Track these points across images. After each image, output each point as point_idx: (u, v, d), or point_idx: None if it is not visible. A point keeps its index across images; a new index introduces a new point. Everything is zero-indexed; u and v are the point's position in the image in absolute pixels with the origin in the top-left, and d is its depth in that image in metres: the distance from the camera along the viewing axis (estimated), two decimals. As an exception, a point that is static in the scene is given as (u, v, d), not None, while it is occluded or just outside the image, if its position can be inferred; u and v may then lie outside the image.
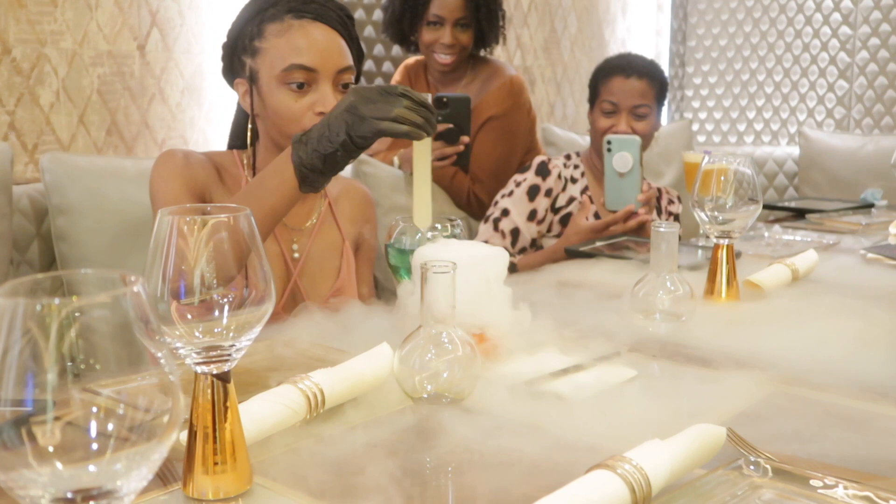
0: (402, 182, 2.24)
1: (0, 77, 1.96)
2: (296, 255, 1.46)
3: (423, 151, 1.15)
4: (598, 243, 1.84)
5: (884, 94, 3.73)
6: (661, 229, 1.23)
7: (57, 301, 0.43)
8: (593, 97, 2.15)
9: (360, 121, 1.15)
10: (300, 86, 1.35)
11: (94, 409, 0.47)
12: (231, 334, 0.71)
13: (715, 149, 3.79)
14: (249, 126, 1.43)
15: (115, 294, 0.44)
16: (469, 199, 2.36)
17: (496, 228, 2.06)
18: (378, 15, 2.80)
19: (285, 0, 1.38)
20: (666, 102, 2.23)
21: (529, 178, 2.11)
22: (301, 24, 1.36)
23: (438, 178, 2.30)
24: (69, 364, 0.45)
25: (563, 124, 3.65)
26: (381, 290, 2.15)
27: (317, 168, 1.18)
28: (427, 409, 0.93)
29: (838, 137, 3.58)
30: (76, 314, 0.44)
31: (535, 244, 2.10)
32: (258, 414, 0.82)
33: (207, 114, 2.39)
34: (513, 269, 1.95)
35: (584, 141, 3.20)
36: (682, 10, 4.21)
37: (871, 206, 2.55)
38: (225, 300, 0.72)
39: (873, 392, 1.00)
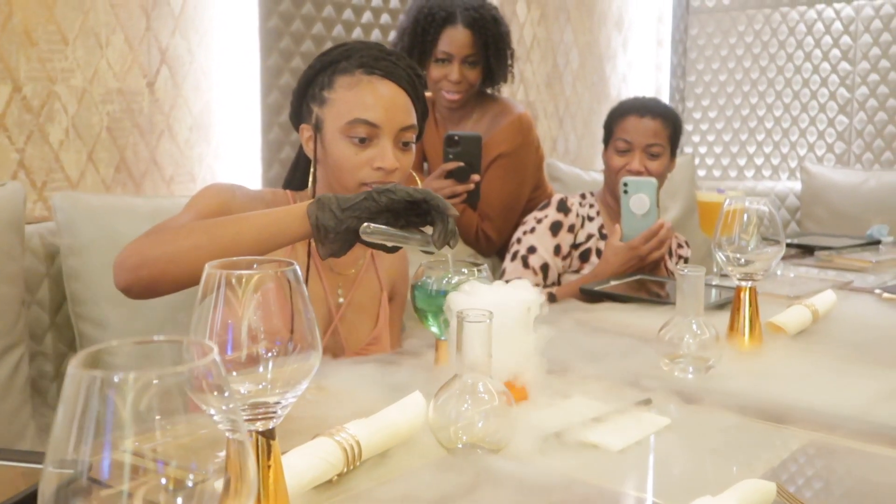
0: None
1: (11, 115, 1.95)
2: (341, 300, 1.48)
3: (370, 233, 1.14)
4: (613, 282, 1.84)
5: (884, 130, 3.75)
6: (687, 273, 1.22)
7: (133, 376, 0.42)
8: (608, 137, 2.17)
9: (335, 219, 1.13)
10: (362, 140, 1.38)
11: (164, 482, 0.45)
12: (277, 390, 0.69)
13: (716, 183, 3.80)
14: (312, 171, 1.45)
15: (192, 365, 0.43)
16: (477, 236, 2.35)
17: (526, 265, 2.06)
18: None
19: (358, 55, 1.41)
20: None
21: (551, 214, 2.12)
22: (370, 80, 1.39)
23: (447, 215, 2.29)
24: (138, 431, 0.43)
25: (565, 159, 3.66)
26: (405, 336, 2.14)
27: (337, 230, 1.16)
28: (462, 461, 0.92)
29: (840, 172, 3.59)
30: (154, 381, 0.42)
31: (559, 280, 2.11)
32: (296, 469, 0.81)
33: (216, 150, 2.38)
34: (552, 299, 1.95)
35: (589, 176, 3.20)
36: (681, 46, 4.24)
37: (878, 242, 2.55)
38: (270, 353, 0.71)
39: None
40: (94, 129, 2.12)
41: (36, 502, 0.81)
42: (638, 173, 2.08)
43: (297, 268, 0.70)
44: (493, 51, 2.29)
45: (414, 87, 1.44)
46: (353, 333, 1.49)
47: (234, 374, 0.68)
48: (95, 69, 2.10)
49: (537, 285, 2.01)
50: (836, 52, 3.85)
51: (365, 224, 1.13)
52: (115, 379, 0.41)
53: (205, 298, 0.68)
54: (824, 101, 3.89)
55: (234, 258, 0.72)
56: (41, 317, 1.72)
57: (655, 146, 2.08)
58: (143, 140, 2.22)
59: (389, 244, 1.16)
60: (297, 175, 1.55)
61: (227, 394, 0.51)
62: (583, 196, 2.20)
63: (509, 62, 2.37)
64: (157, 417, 0.43)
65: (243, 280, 0.68)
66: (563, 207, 2.13)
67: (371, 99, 1.38)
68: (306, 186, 1.48)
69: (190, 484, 0.45)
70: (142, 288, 1.21)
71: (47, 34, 2.00)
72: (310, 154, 1.45)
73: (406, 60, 1.45)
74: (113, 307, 1.72)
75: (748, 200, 1.39)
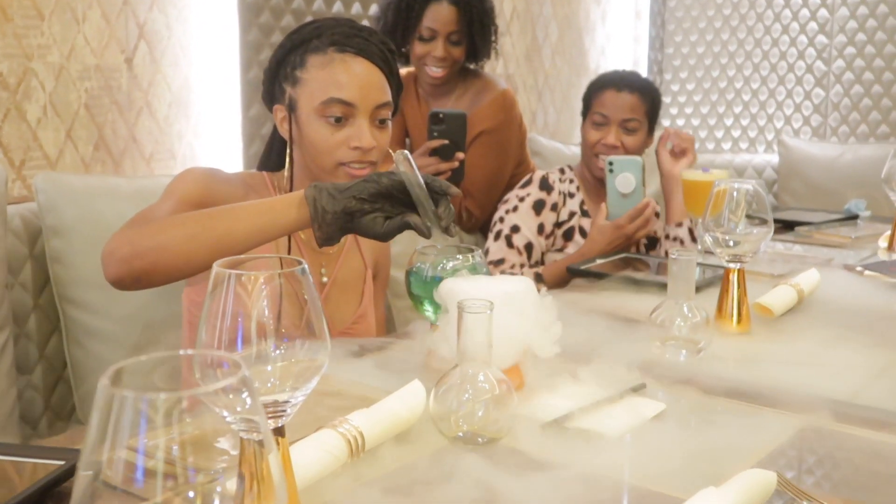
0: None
1: (-13, 93, 1.92)
2: (324, 279, 1.47)
3: (402, 160, 1.12)
4: (599, 261, 1.85)
5: (860, 103, 3.79)
6: (679, 257, 1.23)
7: (163, 396, 0.41)
8: (586, 110, 2.16)
9: (333, 201, 1.13)
10: (338, 119, 1.36)
11: (191, 494, 0.45)
12: (287, 388, 0.69)
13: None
14: (288, 151, 1.43)
15: (226, 383, 0.42)
16: (461, 213, 2.35)
17: (510, 245, 2.05)
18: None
19: (330, 32, 1.39)
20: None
21: (533, 192, 2.11)
22: (343, 59, 1.37)
23: (431, 193, 2.29)
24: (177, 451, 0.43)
25: (544, 132, 3.65)
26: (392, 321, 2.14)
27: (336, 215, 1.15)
28: (463, 449, 0.92)
29: (817, 146, 3.62)
30: (184, 402, 0.42)
31: (543, 259, 2.11)
32: (302, 462, 0.81)
33: (195, 127, 2.35)
34: (539, 279, 1.95)
35: (569, 150, 3.21)
36: (659, 18, 4.24)
37: (855, 217, 2.58)
38: (279, 351, 0.70)
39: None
40: (72, 107, 2.08)
41: (40, 499, 0.81)
42: (613, 147, 2.07)
43: (306, 266, 0.69)
44: (477, 27, 2.28)
45: (388, 63, 1.42)
46: (338, 312, 1.48)
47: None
48: (72, 45, 2.06)
49: (522, 265, 2.02)
50: (813, 25, 3.86)
51: (402, 151, 1.12)
52: (145, 400, 0.41)
53: (213, 295, 0.67)
54: (801, 73, 3.92)
55: (244, 256, 0.71)
56: (24, 299, 1.70)
57: (632, 121, 2.07)
58: (122, 117, 2.19)
59: (411, 191, 1.13)
60: (272, 156, 1.53)
61: (248, 404, 0.51)
62: (562, 171, 2.19)
63: (493, 39, 2.35)
64: (181, 431, 0.43)
65: (252, 278, 0.68)
66: (545, 185, 2.12)
67: (345, 77, 1.36)
68: (282, 167, 1.47)
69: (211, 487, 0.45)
70: (133, 279, 1.20)
71: (22, 9, 1.96)
72: (285, 135, 1.43)
73: (378, 36, 1.43)
74: (97, 289, 1.70)
75: (737, 182, 1.40)
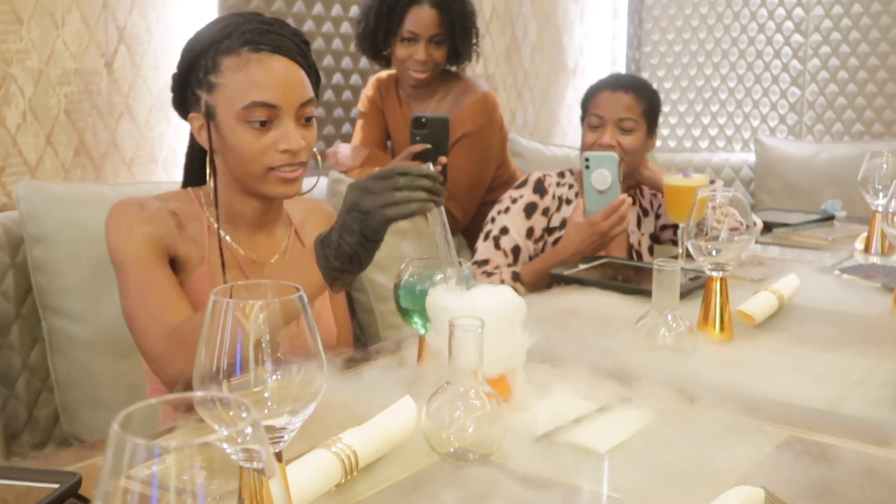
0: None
1: (-35, 98, 1.90)
2: None
3: (436, 218, 1.13)
4: (582, 266, 1.86)
5: (834, 101, 3.83)
6: (663, 268, 1.25)
7: (174, 444, 0.42)
8: (583, 114, 2.13)
9: (366, 216, 1.12)
10: (262, 123, 1.29)
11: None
12: (285, 413, 0.70)
13: (671, 155, 3.85)
14: (209, 161, 1.36)
15: (234, 431, 0.43)
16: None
17: (497, 246, 2.04)
18: (346, 28, 2.78)
19: (240, 31, 1.31)
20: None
21: (526, 194, 2.08)
22: (259, 58, 1.30)
23: (413, 196, 2.29)
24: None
25: (524, 131, 3.67)
26: (368, 334, 2.14)
27: (345, 269, 1.16)
28: (455, 465, 0.93)
29: (793, 145, 3.66)
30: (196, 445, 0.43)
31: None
32: (298, 482, 0.82)
33: (176, 130, 2.34)
34: (516, 277, 1.95)
35: (549, 151, 3.22)
36: (637, 17, 4.26)
37: (832, 217, 2.62)
38: (275, 377, 0.71)
39: (876, 436, 1.03)
40: (52, 112, 2.07)
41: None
42: (609, 147, 2.02)
43: (304, 293, 0.70)
44: (459, 30, 2.29)
45: (304, 57, 1.35)
46: None
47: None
48: (52, 49, 2.05)
49: (508, 265, 2.02)
50: (789, 24, 3.90)
51: (439, 210, 1.14)
52: (157, 449, 0.42)
53: (212, 323, 0.68)
54: (777, 72, 3.95)
55: (239, 282, 0.72)
56: (6, 308, 1.69)
57: (628, 120, 2.04)
58: (103, 122, 2.18)
59: (438, 240, 1.15)
60: (194, 169, 1.46)
61: (250, 437, 0.51)
62: (561, 175, 2.15)
63: (474, 41, 2.36)
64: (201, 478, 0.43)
65: (249, 306, 0.68)
66: (539, 188, 2.09)
67: (264, 78, 1.29)
68: (205, 181, 1.39)
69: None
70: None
71: (1, 14, 1.94)
72: (204, 144, 1.36)
73: (290, 28, 1.36)
74: (80, 298, 1.70)
75: (720, 191, 1.41)
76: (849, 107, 3.79)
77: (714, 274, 1.40)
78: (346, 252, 1.14)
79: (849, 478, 0.92)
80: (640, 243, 2.19)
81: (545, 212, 2.07)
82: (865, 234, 2.14)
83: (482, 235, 2.08)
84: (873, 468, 0.95)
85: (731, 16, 4.02)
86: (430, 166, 1.17)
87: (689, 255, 1.61)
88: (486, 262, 2.03)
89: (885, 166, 2.09)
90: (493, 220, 2.08)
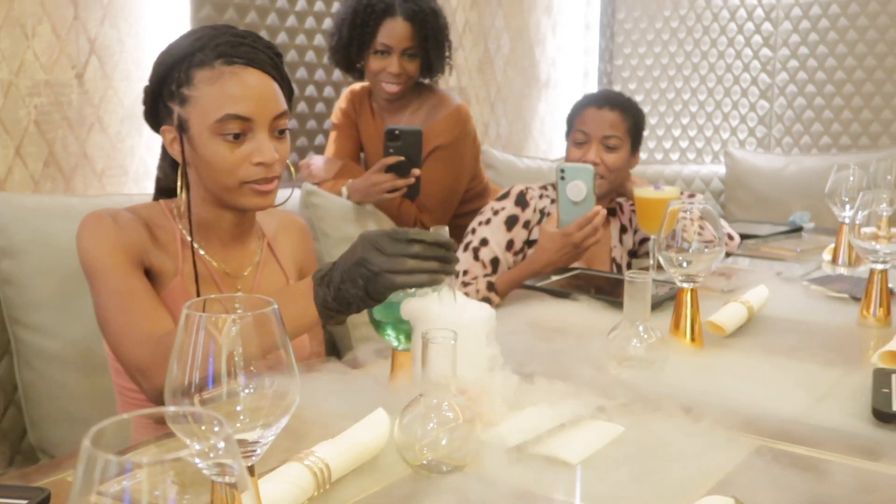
0: (352, 213, 2.23)
1: (-67, 110, 1.88)
2: None
3: (446, 292, 1.12)
4: (554, 277, 1.87)
5: (802, 114, 3.88)
6: (635, 279, 1.26)
7: (146, 460, 0.42)
8: (569, 130, 2.14)
9: (373, 277, 1.12)
10: (236, 136, 1.30)
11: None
12: (258, 426, 0.70)
13: (642, 168, 3.88)
14: (181, 174, 1.36)
15: (206, 446, 0.43)
16: (416, 227, 2.36)
17: (476, 257, 2.04)
18: (319, 40, 2.78)
19: (213, 44, 1.31)
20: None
21: (508, 207, 2.09)
22: (233, 71, 1.30)
23: (386, 208, 2.30)
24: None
25: (497, 144, 3.68)
26: (341, 346, 2.14)
27: (341, 311, 1.16)
28: (427, 478, 0.94)
29: (762, 157, 3.71)
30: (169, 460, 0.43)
31: None
32: (270, 497, 0.81)
33: (148, 142, 2.33)
34: (491, 287, 1.95)
35: (522, 164, 3.24)
36: (609, 30, 4.30)
37: (800, 229, 2.65)
38: (248, 390, 0.71)
39: (846, 445, 1.04)
40: (22, 123, 2.05)
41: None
42: (594, 164, 2.01)
43: (276, 306, 0.70)
44: (432, 43, 2.30)
45: (278, 70, 1.36)
46: None
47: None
48: (21, 61, 2.03)
49: (486, 276, 2.02)
50: (757, 38, 3.96)
51: (452, 279, 1.13)
52: (129, 464, 0.42)
53: (185, 337, 0.68)
54: (746, 86, 4.00)
55: (213, 296, 0.71)
56: (-26, 322, 1.68)
57: (613, 138, 2.06)
58: (73, 133, 2.16)
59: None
60: (166, 182, 1.46)
61: (223, 451, 0.51)
62: (544, 188, 2.16)
63: (447, 54, 2.37)
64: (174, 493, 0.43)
65: (222, 320, 0.68)
66: (521, 201, 2.09)
67: (238, 91, 1.29)
68: (177, 194, 1.38)
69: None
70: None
71: (-30, 25, 1.93)
72: (177, 157, 1.35)
73: (263, 41, 1.37)
74: (48, 311, 1.68)
75: (690, 202, 1.43)
76: (816, 120, 3.85)
77: (685, 285, 1.42)
78: (346, 299, 1.15)
79: (820, 487, 0.93)
80: (621, 257, 2.21)
81: (526, 224, 2.08)
82: (833, 246, 2.17)
83: (462, 246, 2.09)
84: (844, 477, 0.96)
85: (701, 30, 4.07)
86: (446, 230, 1.16)
87: (660, 267, 1.63)
88: (464, 272, 2.04)
89: (851, 178, 2.13)
90: (473, 231, 2.08)
